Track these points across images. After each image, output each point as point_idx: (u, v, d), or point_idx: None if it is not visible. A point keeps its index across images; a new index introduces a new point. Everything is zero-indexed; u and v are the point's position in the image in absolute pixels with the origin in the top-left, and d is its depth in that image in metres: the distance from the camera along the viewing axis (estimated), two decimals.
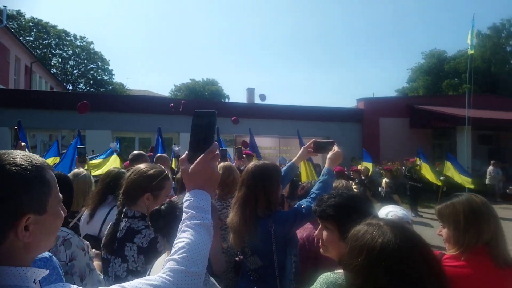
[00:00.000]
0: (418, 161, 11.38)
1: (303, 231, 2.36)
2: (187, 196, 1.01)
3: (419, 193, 11.52)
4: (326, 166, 2.17)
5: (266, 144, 16.15)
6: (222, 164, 3.23)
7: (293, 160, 2.54)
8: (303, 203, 2.06)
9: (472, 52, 13.44)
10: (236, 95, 77.56)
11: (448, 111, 15.36)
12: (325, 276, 1.26)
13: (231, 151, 8.51)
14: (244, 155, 5.41)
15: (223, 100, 37.23)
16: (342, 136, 16.08)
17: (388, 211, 1.99)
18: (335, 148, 2.18)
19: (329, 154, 2.17)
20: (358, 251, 0.96)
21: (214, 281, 1.24)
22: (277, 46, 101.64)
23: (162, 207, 1.37)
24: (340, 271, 1.30)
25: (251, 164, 2.27)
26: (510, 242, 1.68)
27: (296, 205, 2.13)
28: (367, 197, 1.41)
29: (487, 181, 13.74)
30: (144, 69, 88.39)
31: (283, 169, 2.47)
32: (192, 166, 1.01)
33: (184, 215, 0.98)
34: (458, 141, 15.16)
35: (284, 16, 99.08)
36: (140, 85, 74.11)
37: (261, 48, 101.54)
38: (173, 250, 0.91)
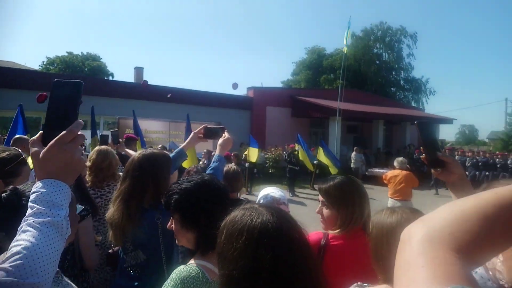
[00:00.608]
0: (297, 147, 12.55)
1: None
2: (36, 187, 0.82)
3: (296, 175, 12.73)
4: (216, 152, 2.15)
5: (156, 127, 15.40)
6: (96, 147, 2.91)
7: (181, 146, 2.44)
8: None
9: (346, 50, 15.29)
10: (122, 73, 71.52)
11: (323, 103, 17.21)
12: (178, 271, 1.21)
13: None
14: (120, 140, 4.93)
15: (106, 78, 33.93)
16: (232, 122, 16.47)
17: (268, 192, 2.09)
18: (226, 135, 2.17)
19: (220, 141, 2.15)
20: (238, 234, 0.95)
21: (69, 281, 1.08)
22: (171, 26, 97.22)
23: (3, 194, 1.13)
24: (193, 262, 1.28)
25: (137, 153, 2.07)
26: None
27: None
28: (218, 182, 1.40)
29: (352, 165, 15.98)
30: (9, 36, 73.75)
31: (171, 155, 2.34)
32: (45, 149, 0.83)
33: (28, 211, 0.79)
34: (331, 129, 17.25)
35: None
36: (2, 55, 61.64)
37: (153, 26, 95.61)
38: (7, 255, 0.73)
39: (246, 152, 12.32)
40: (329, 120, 17.52)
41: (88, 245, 2.13)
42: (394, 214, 1.27)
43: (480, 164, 15.21)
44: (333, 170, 11.50)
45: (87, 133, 7.33)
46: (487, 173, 14.86)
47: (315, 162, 12.22)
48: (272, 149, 15.72)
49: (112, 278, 2.49)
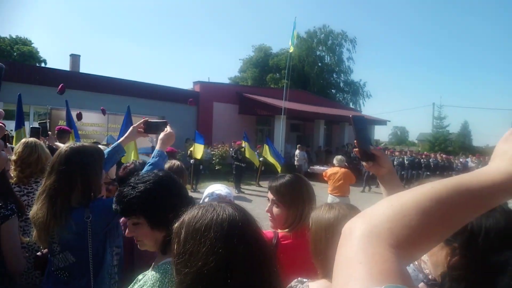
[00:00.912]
0: (243, 144, 12.64)
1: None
2: None
3: (243, 172, 12.82)
4: (157, 147, 2.02)
5: (92, 120, 14.43)
6: (23, 139, 2.65)
7: (119, 141, 2.29)
8: None
9: (291, 50, 15.69)
10: (56, 61, 65.93)
11: (269, 101, 17.55)
12: (163, 271, 1.18)
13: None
14: (50, 132, 4.53)
15: (38, 65, 31.05)
16: (178, 117, 16.04)
17: (213, 190, 2.05)
18: (168, 129, 2.06)
19: (161, 135, 2.04)
20: (204, 229, 0.93)
21: None
22: (113, 14, 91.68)
23: None
24: (165, 261, 1.25)
25: (65, 146, 1.90)
26: None
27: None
28: (175, 177, 1.37)
29: (296, 162, 16.51)
30: None
31: (106, 151, 2.19)
32: None
33: None
34: (276, 127, 17.63)
35: None
36: None
37: (93, 12, 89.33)
38: None
39: (191, 148, 12.10)
40: (274, 118, 17.88)
41: (12, 249, 1.92)
42: (332, 210, 1.31)
43: (406, 163, 16.61)
44: (278, 167, 11.78)
45: (12, 124, 6.64)
46: (413, 171, 16.29)
47: (260, 159, 12.43)
48: (219, 145, 15.63)
49: (40, 283, 2.29)
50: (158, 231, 1.32)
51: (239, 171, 12.49)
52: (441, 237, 0.52)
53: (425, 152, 21.43)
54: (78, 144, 1.91)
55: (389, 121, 24.93)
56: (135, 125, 2.24)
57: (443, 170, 17.34)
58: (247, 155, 12.48)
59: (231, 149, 13.88)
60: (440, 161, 17.75)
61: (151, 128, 2.19)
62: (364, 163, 1.22)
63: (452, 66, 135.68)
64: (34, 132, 4.32)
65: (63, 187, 1.74)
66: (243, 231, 0.94)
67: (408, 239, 0.47)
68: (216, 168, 15.13)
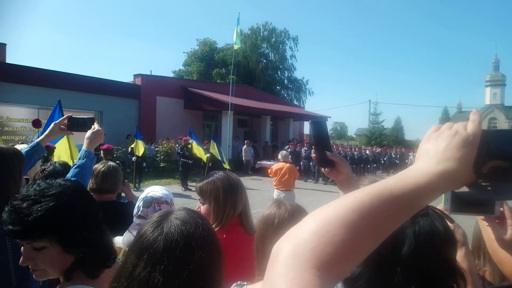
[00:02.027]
0: (190, 140, 12.37)
1: None
2: None
3: (189, 169, 12.56)
4: (84, 147, 1.86)
5: (20, 115, 13.15)
6: None
7: (39, 139, 2.05)
8: None
9: (237, 47, 15.68)
10: None
11: (216, 96, 17.38)
12: None
13: None
14: None
15: None
16: (118, 112, 15.26)
17: (147, 192, 1.97)
18: (95, 126, 1.91)
19: (88, 133, 1.88)
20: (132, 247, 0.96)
21: None
22: (48, 2, 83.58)
23: None
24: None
25: None
26: (257, 210, 1.98)
27: None
28: (84, 188, 1.21)
29: (243, 158, 16.61)
30: None
31: (23, 150, 1.97)
32: None
33: None
34: (223, 123, 17.55)
35: None
36: None
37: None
38: None
39: (132, 145, 11.57)
40: (222, 114, 17.77)
41: None
42: (276, 208, 1.35)
43: None
44: (225, 164, 11.74)
45: None
46: None
47: (207, 155, 12.30)
48: (164, 142, 15.10)
49: None
50: (70, 253, 1.13)
51: (185, 168, 12.20)
52: (368, 250, 0.48)
53: (348, 146, 22.74)
54: None
55: (330, 117, 26.17)
56: (57, 121, 2.03)
57: (367, 163, 18.88)
58: (194, 151, 12.22)
59: (177, 145, 13.49)
60: (364, 154, 19.19)
61: (76, 125, 2.01)
62: (322, 169, 1.19)
63: (387, 66, 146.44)
64: None
65: None
66: (164, 257, 0.92)
67: (332, 258, 0.44)
68: (161, 165, 14.64)
